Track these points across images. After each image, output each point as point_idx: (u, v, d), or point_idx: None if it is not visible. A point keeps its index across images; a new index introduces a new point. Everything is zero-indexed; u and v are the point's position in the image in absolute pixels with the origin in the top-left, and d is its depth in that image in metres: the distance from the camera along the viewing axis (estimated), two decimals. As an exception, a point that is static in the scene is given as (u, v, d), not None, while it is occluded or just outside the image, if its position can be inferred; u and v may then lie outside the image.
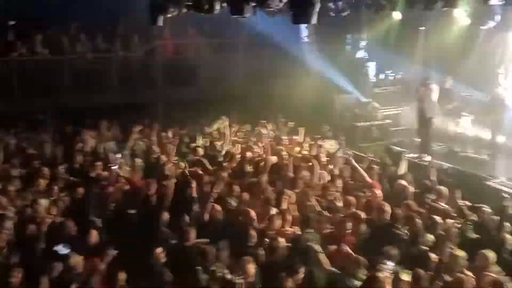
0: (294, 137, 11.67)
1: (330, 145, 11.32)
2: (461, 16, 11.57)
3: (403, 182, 8.71)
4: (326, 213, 7.48)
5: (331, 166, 9.73)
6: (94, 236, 6.52)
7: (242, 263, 5.67)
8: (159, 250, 6.15)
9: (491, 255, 5.90)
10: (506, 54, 12.26)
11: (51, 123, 12.93)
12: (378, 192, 8.21)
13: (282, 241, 6.30)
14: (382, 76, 15.35)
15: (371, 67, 15.31)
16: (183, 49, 16.03)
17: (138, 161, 9.87)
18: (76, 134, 11.53)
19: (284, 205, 7.52)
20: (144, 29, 14.48)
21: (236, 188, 8.26)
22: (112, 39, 15.05)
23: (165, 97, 14.66)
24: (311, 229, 6.73)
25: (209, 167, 9.34)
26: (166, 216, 7.13)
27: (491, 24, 11.13)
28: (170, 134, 11.95)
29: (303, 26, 15.45)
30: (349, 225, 6.76)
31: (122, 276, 5.58)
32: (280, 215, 7.08)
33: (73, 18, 14.39)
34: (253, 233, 6.41)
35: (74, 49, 14.50)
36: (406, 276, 5.64)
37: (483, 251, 5.97)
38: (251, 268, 5.65)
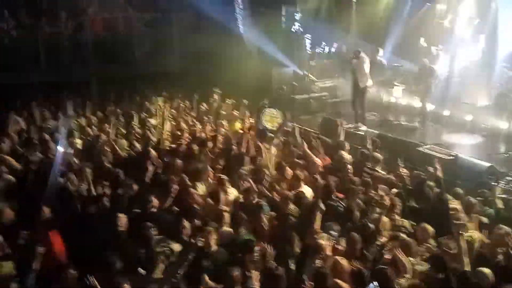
0: (234, 112, 11.68)
1: (272, 113, 11.37)
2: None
3: (343, 153, 8.99)
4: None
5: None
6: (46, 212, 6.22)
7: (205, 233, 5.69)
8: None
9: (430, 228, 6.08)
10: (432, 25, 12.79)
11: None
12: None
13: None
14: (317, 49, 15.53)
15: (306, 40, 15.45)
16: (114, 23, 15.45)
17: (76, 140, 9.54)
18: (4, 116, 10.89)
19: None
20: (70, 3, 13.82)
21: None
22: (37, 14, 14.25)
23: (98, 75, 14.12)
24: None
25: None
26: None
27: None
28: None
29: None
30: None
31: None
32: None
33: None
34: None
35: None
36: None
37: (423, 224, 6.07)
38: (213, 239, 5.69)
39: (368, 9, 13.68)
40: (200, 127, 10.67)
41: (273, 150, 8.93)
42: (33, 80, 13.04)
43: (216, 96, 12.91)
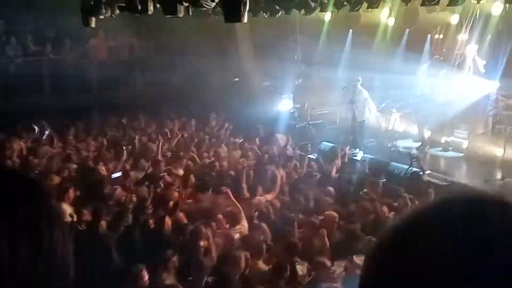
0: (234, 139, 11.84)
1: (281, 137, 11.61)
2: (386, 17, 12.05)
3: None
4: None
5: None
6: None
7: None
8: None
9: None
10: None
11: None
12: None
13: None
14: (316, 76, 15.68)
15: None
16: (117, 51, 15.82)
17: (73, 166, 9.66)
18: (6, 140, 11.08)
19: None
20: (76, 31, 14.16)
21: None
22: (43, 41, 14.63)
23: (100, 100, 14.38)
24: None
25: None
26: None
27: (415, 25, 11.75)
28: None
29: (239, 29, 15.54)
30: None
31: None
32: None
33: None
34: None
35: (4, 53, 14.03)
36: None
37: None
38: None
39: (363, 37, 13.73)
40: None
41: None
42: (37, 106, 13.26)
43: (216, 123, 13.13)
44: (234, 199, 7.52)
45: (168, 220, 6.68)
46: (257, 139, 11.90)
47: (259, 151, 10.98)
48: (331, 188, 8.52)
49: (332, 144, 12.55)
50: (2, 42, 14.25)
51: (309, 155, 11.17)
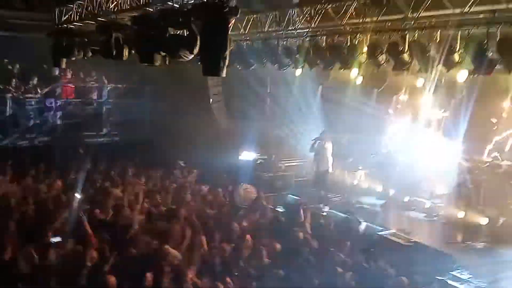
0: (203, 186, 11.70)
1: (247, 188, 11.50)
2: (355, 76, 12.36)
3: (301, 234, 9.03)
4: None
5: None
6: None
7: None
8: None
9: None
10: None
11: None
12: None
13: None
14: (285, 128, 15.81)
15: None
16: (86, 92, 15.62)
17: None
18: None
19: None
20: (44, 70, 13.97)
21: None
22: (9, 78, 14.30)
23: (64, 142, 14.03)
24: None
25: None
26: None
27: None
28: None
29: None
30: None
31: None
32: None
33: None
34: None
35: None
36: None
37: None
38: None
39: (334, 94, 14.00)
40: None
41: None
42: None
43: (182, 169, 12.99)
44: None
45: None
46: (221, 189, 11.78)
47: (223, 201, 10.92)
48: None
49: (297, 198, 12.55)
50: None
51: (275, 208, 11.12)
